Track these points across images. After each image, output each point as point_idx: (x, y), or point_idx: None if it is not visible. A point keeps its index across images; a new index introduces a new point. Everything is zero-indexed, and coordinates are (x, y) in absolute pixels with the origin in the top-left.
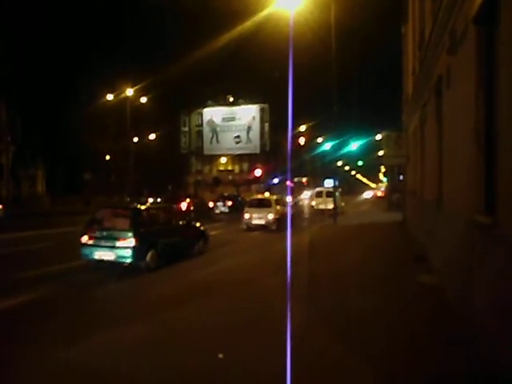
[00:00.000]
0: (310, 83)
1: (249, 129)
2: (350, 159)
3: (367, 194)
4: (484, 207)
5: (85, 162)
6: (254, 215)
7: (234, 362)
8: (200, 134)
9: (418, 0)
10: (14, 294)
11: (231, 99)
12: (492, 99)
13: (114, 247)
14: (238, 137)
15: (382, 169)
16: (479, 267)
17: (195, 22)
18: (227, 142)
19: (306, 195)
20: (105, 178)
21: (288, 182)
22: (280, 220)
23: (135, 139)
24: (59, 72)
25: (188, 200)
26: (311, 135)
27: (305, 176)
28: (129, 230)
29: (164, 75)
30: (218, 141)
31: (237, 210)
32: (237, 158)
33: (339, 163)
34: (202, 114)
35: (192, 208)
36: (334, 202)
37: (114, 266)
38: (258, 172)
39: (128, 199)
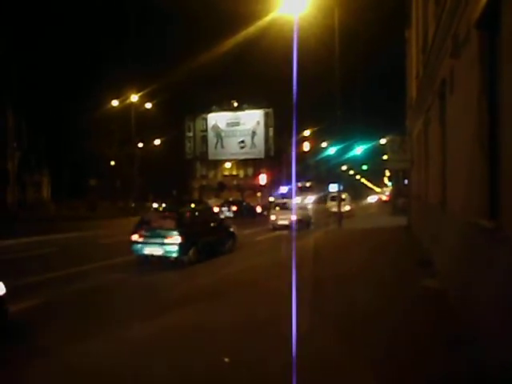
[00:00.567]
0: (314, 88)
1: (253, 134)
2: (355, 164)
3: (372, 199)
4: (487, 211)
5: (90, 168)
6: (280, 217)
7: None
8: (205, 139)
9: (421, 4)
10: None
11: (235, 104)
12: (495, 103)
13: (162, 244)
14: (242, 142)
15: (387, 173)
16: (482, 271)
17: (200, 27)
18: (232, 147)
19: (310, 199)
20: (110, 183)
21: (293, 186)
22: (301, 221)
23: (140, 145)
24: (64, 78)
25: (193, 205)
26: (316, 140)
27: (308, 181)
28: (175, 229)
29: (168, 80)
30: (222, 146)
31: (242, 214)
32: (241, 163)
33: (344, 168)
34: (206, 120)
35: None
36: (339, 207)
37: (162, 259)
38: (262, 179)
39: (133, 205)
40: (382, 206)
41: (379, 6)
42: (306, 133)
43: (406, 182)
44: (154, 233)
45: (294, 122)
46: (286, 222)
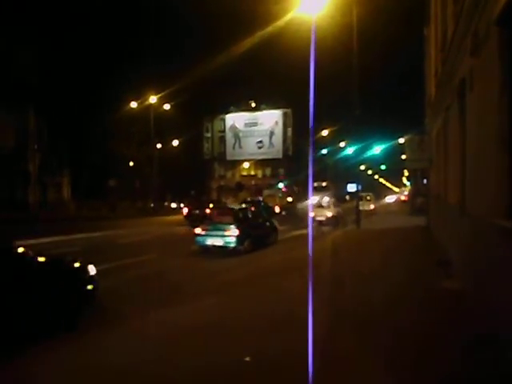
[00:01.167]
0: (332, 87)
1: (271, 134)
2: (373, 163)
3: (390, 199)
4: (507, 211)
5: (109, 169)
6: (317, 213)
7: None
8: (223, 139)
9: (440, 1)
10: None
11: (253, 104)
12: None
13: (222, 236)
14: (260, 142)
15: (406, 173)
16: (502, 271)
17: (218, 28)
18: (250, 147)
19: (326, 199)
20: (129, 184)
21: (310, 186)
22: (335, 217)
23: (159, 145)
24: (85, 80)
25: (211, 205)
26: (334, 139)
27: (324, 180)
28: (234, 224)
29: (187, 81)
30: (240, 146)
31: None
32: (259, 163)
33: (362, 167)
34: (224, 120)
35: None
36: (357, 207)
37: (222, 249)
38: (280, 185)
39: (152, 205)
40: (400, 206)
41: (398, 5)
42: (324, 132)
43: (424, 181)
44: (215, 227)
45: (311, 121)
46: (322, 218)
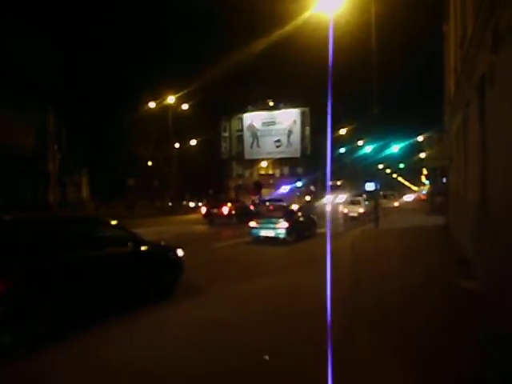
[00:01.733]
0: (350, 85)
1: (289, 133)
2: (392, 162)
3: (408, 197)
4: None
5: (128, 168)
6: (350, 210)
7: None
8: (240, 138)
9: None
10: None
11: (271, 103)
12: None
13: (274, 228)
14: (278, 141)
15: (425, 171)
16: None
17: (235, 27)
18: (268, 146)
19: (341, 198)
20: (147, 183)
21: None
22: (366, 213)
23: (177, 145)
24: (103, 81)
25: (229, 204)
26: (352, 138)
27: (339, 179)
28: (283, 218)
29: (204, 81)
30: (258, 145)
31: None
32: (277, 162)
33: (380, 166)
34: (242, 119)
35: (234, 212)
36: (376, 206)
37: (272, 239)
38: (298, 183)
39: (170, 204)
40: (419, 205)
41: (416, 1)
42: (342, 131)
43: (444, 180)
44: (268, 221)
45: (329, 120)
46: (355, 214)
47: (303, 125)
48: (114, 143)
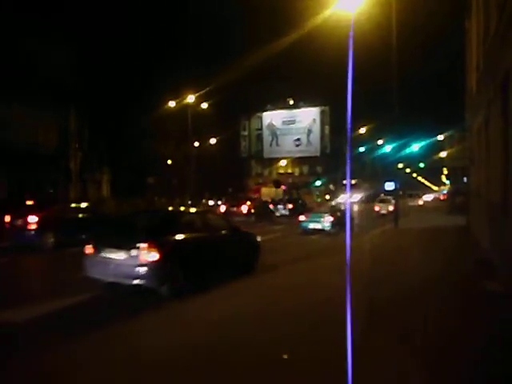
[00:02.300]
0: (371, 83)
1: (309, 132)
2: (412, 161)
3: (427, 197)
4: None
5: (148, 167)
6: (381, 208)
7: None
8: (260, 137)
9: None
10: None
11: (291, 102)
12: None
13: (320, 222)
14: (298, 140)
15: (445, 171)
16: None
17: (255, 26)
18: (287, 145)
19: (356, 198)
20: (167, 181)
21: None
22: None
23: (196, 144)
24: (124, 80)
25: (249, 203)
26: (371, 137)
27: (354, 178)
28: (328, 213)
29: (224, 80)
30: (277, 144)
31: (298, 212)
32: (297, 161)
33: (400, 165)
34: (261, 118)
35: (253, 210)
36: (396, 206)
37: (319, 231)
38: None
39: (189, 201)
40: (439, 204)
41: None
42: (362, 130)
43: (465, 179)
44: (315, 215)
45: (349, 118)
46: (385, 212)
47: (323, 124)
48: (134, 142)
